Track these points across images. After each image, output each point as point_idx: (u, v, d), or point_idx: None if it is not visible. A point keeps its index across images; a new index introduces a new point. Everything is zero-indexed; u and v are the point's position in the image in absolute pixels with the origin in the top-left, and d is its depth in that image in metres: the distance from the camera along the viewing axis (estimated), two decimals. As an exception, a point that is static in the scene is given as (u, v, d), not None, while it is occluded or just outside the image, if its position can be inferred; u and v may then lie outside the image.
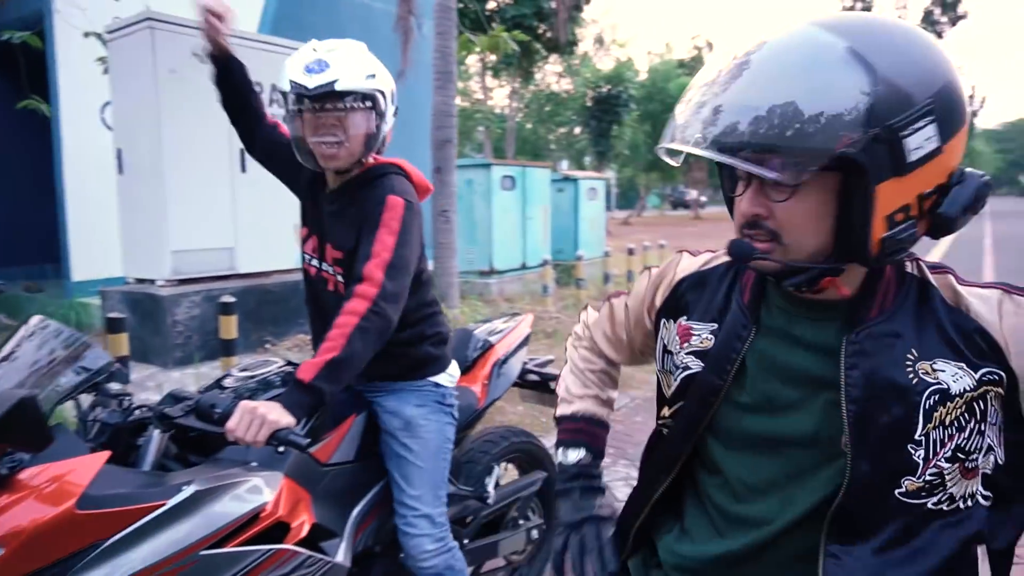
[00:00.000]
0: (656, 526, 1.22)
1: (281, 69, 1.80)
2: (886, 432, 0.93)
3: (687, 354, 1.12)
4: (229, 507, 1.50)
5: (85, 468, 1.35)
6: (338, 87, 1.74)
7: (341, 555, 1.81)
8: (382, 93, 1.83)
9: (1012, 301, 0.94)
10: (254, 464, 1.67)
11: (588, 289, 9.16)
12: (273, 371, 1.95)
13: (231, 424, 1.51)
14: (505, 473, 2.52)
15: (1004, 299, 0.95)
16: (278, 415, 1.52)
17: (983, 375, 0.92)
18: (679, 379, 1.13)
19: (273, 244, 6.15)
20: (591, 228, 11.42)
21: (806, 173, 0.85)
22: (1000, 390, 0.93)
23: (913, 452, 0.93)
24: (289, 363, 2.06)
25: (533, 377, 2.68)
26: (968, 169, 0.91)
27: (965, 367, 0.93)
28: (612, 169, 22.00)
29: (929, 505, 0.95)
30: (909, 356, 0.94)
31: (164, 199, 5.44)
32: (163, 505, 1.41)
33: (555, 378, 2.68)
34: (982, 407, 0.93)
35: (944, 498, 0.95)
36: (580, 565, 1.17)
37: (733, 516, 1.08)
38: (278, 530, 1.61)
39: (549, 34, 18.46)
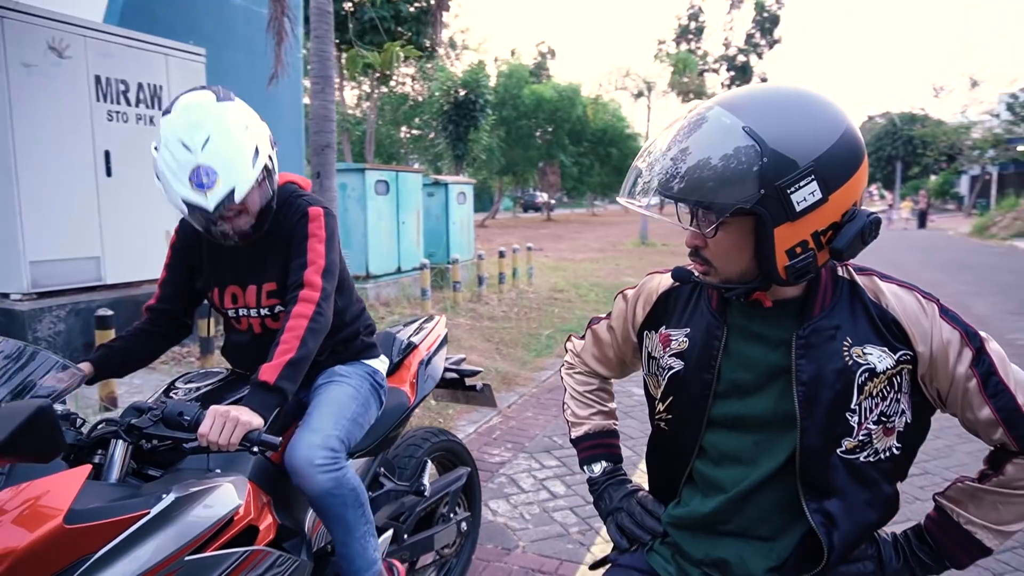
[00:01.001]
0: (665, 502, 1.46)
1: (161, 177, 1.71)
2: (829, 405, 1.19)
3: (670, 356, 1.35)
4: (207, 512, 1.52)
5: (68, 483, 1.34)
6: (237, 197, 1.72)
7: (305, 553, 1.86)
8: (269, 156, 1.82)
9: (918, 301, 1.22)
10: (217, 471, 1.69)
11: (463, 292, 9.30)
12: (219, 380, 1.97)
13: (204, 428, 1.54)
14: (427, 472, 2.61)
15: (913, 299, 1.22)
16: (249, 416, 1.57)
17: (900, 356, 1.20)
18: (666, 378, 1.36)
19: (143, 252, 5.78)
20: (462, 231, 11.58)
21: (717, 219, 1.12)
22: (911, 366, 1.20)
23: (850, 418, 1.19)
24: (232, 372, 2.07)
25: (452, 375, 2.79)
26: (861, 208, 1.16)
27: (887, 350, 1.19)
28: (467, 173, 22.21)
29: (861, 459, 1.21)
30: (845, 342, 1.20)
31: (17, 205, 4.99)
32: (147, 514, 1.41)
33: (473, 373, 2.82)
34: (899, 381, 1.21)
35: (871, 452, 1.22)
36: (640, 527, 1.41)
37: (712, 480, 1.32)
38: (247, 533, 1.65)
39: (407, 36, 18.39)
